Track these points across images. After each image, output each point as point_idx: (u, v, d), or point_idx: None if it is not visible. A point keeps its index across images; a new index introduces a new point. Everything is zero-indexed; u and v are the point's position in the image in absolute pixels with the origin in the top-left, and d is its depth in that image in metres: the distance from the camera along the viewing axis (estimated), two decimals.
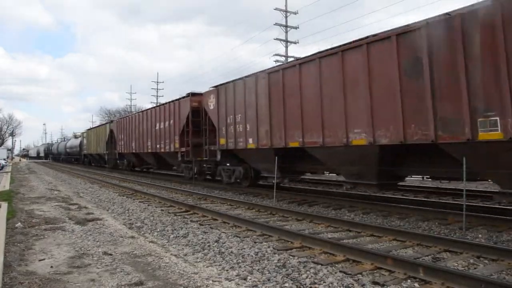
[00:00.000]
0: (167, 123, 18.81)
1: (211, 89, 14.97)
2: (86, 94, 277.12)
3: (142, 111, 23.81)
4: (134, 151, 24.02)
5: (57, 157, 63.85)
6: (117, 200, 12.46)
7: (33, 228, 7.48)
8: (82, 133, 44.15)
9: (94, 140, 35.14)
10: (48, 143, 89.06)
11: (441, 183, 12.93)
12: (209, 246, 6.21)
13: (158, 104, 21.34)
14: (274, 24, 34.00)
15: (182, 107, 17.27)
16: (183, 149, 16.90)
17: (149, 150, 21.23)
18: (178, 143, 17.38)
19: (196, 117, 16.30)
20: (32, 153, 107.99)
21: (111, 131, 29.39)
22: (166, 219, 8.78)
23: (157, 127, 20.01)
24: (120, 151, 27.30)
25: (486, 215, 7.81)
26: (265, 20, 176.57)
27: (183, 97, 17.50)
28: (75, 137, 56.43)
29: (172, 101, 18.61)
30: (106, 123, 32.56)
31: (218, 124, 14.15)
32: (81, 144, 42.84)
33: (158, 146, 19.90)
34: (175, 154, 17.99)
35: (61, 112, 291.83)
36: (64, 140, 66.42)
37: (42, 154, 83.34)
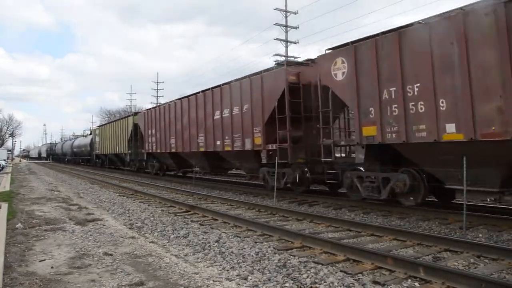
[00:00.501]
0: (236, 109, 13.20)
1: (331, 51, 9.78)
2: (86, 94, 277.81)
3: (188, 96, 17.14)
4: (173, 150, 18.19)
5: (61, 158, 58.20)
6: (117, 200, 12.46)
7: (34, 229, 7.48)
8: (94, 129, 38.59)
9: (110, 138, 29.26)
10: (50, 143, 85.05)
11: None
12: (209, 246, 6.21)
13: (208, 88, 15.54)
14: (274, 24, 33.99)
15: (270, 83, 11.80)
16: (272, 147, 11.73)
17: (201, 149, 15.53)
18: (261, 137, 11.98)
19: (295, 97, 11.09)
20: (33, 153, 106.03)
21: (136, 126, 23.66)
22: (167, 219, 8.79)
23: (217, 116, 14.31)
24: (149, 151, 21.24)
25: (487, 214, 7.82)
26: (265, 20, 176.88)
27: (270, 69, 12.41)
28: (84, 135, 51.42)
29: (247, 76, 13.25)
30: (129, 116, 26.26)
31: (358, 103, 8.88)
32: (91, 143, 36.99)
33: (218, 143, 14.25)
34: (252, 154, 12.73)
35: (61, 112, 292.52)
36: (70, 139, 60.09)
37: (44, 155, 79.28)
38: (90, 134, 43.12)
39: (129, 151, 24.79)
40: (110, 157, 30.84)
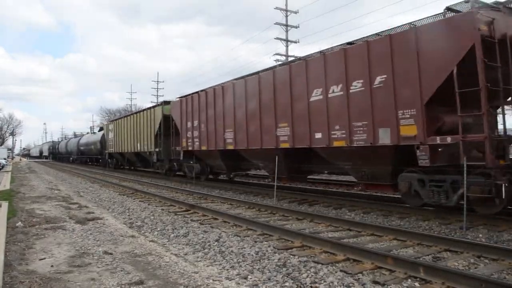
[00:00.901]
0: (358, 84, 8.79)
1: None
2: (86, 94, 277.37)
3: (259, 72, 12.45)
4: (230, 147, 13.57)
5: (65, 157, 53.08)
6: (117, 199, 12.46)
7: (34, 228, 7.48)
8: (106, 124, 33.38)
9: (129, 133, 24.63)
10: (53, 141, 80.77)
11: None
12: (209, 245, 6.21)
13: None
14: (275, 24, 33.99)
15: (437, 39, 7.44)
16: (444, 140, 7.39)
17: (284, 145, 10.97)
18: (418, 125, 7.70)
19: (490, 59, 6.88)
20: (34, 152, 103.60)
21: (166, 118, 19.14)
22: (167, 218, 8.79)
23: (316, 97, 9.79)
24: (189, 148, 16.41)
25: (487, 214, 7.81)
26: (265, 20, 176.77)
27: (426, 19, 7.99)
28: (92, 132, 46.11)
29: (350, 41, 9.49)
30: (156, 106, 21.32)
31: None
32: (103, 140, 32.57)
33: (318, 136, 9.79)
34: (389, 151, 8.52)
35: (61, 112, 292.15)
36: (76, 137, 54.60)
37: (46, 153, 74.57)
38: (100, 130, 39.29)
39: (156, 149, 20.07)
40: (128, 157, 26.21)
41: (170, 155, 19.24)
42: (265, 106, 11.78)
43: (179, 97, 17.94)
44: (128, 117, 25.83)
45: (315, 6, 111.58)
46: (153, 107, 21.41)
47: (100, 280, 4.47)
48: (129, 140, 24.70)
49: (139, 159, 24.25)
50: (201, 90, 15.82)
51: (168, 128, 19.01)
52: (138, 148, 22.80)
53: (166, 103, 19.89)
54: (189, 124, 16.37)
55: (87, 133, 54.42)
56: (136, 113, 24.78)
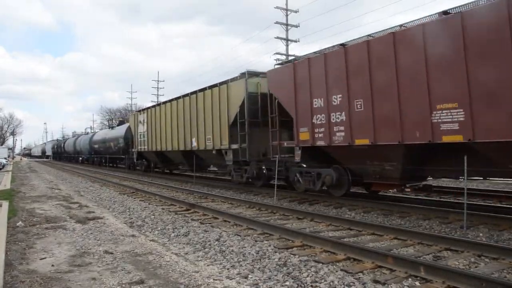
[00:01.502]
0: None
1: None
2: (87, 93, 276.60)
3: None
4: (460, 138, 6.93)
5: (73, 157, 47.08)
6: (118, 199, 12.47)
7: (34, 227, 7.49)
8: (135, 114, 24.55)
9: (174, 125, 17.90)
10: (57, 139, 75.42)
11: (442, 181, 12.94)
12: (210, 244, 6.22)
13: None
14: (275, 23, 34.07)
15: None
16: None
17: None
18: None
19: None
20: (36, 151, 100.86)
21: (253, 98, 12.97)
22: (167, 217, 8.79)
23: None
24: (318, 143, 10.11)
25: (487, 213, 7.82)
26: (265, 19, 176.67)
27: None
28: (110, 127, 38.05)
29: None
30: (235, 79, 13.67)
31: None
32: (128, 135, 26.02)
33: None
34: None
35: (61, 111, 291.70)
36: (86, 134, 47.48)
37: (49, 153, 68.74)
38: (120, 124, 32.82)
39: (234, 146, 13.50)
40: (172, 157, 19.87)
41: (259, 155, 13.16)
42: None
43: (279, 63, 12.02)
44: (174, 102, 18.10)
45: (315, 5, 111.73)
46: (225, 82, 14.10)
47: (100, 279, 4.47)
48: (175, 134, 17.71)
49: (189, 161, 17.46)
50: (341, 44, 9.57)
51: (254, 113, 12.88)
52: (194, 144, 15.91)
53: (252, 74, 13.12)
54: (318, 102, 10.02)
55: (87, 133, 51.06)
56: (189, 94, 16.67)
